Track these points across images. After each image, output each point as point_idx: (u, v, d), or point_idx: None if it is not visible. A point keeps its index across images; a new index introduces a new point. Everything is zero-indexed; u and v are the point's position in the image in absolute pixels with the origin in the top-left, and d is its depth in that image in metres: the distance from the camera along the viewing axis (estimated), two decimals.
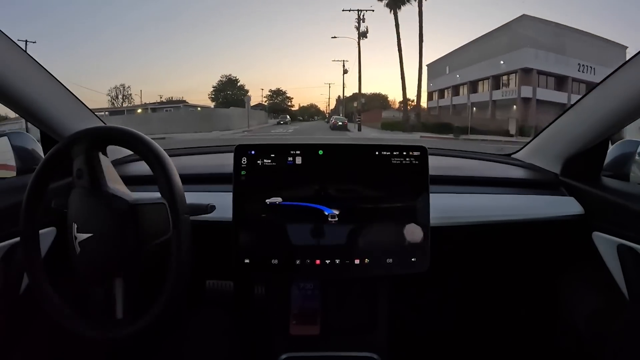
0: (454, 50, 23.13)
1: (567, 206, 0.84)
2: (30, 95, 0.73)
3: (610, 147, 0.85)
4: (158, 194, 0.59)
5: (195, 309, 0.94)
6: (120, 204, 0.59)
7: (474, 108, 19.56)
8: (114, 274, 0.60)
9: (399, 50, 19.27)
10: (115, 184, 0.63)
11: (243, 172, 0.71)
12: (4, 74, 0.67)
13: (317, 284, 0.84)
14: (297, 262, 0.71)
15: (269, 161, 0.71)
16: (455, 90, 22.73)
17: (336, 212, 0.71)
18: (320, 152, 0.72)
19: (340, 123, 19.51)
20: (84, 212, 0.59)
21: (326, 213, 0.71)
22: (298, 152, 0.72)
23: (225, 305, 0.97)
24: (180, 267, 0.56)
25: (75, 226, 0.59)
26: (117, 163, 0.99)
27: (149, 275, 0.62)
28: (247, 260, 0.71)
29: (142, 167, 0.92)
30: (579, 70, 17.35)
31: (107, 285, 0.59)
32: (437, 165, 0.80)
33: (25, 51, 0.72)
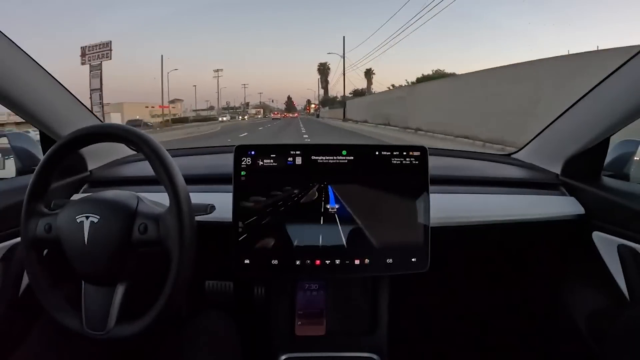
0: None
1: (567, 206, 0.84)
2: (29, 95, 0.73)
3: (611, 147, 0.85)
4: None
5: (194, 310, 0.94)
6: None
7: None
8: (117, 267, 0.59)
9: None
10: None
11: (243, 173, 0.71)
12: (3, 74, 0.67)
13: (322, 284, 0.84)
14: (297, 262, 0.71)
15: (269, 161, 0.71)
16: None
17: (336, 216, 0.71)
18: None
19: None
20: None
21: (327, 206, 0.71)
22: (298, 152, 0.72)
23: (225, 306, 0.97)
24: (182, 269, 0.56)
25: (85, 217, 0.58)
26: (116, 164, 0.99)
27: (150, 275, 0.62)
28: (247, 261, 0.71)
29: (142, 168, 0.92)
30: None
31: (108, 279, 0.59)
32: (437, 165, 0.80)
33: (24, 51, 0.72)
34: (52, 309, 0.60)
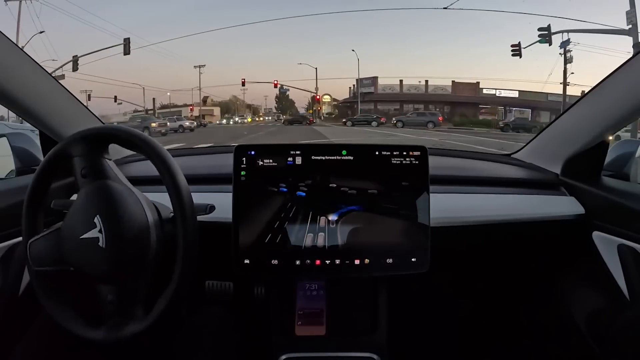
0: None
1: (567, 206, 0.84)
2: (29, 96, 0.73)
3: (611, 146, 0.85)
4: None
5: (194, 310, 0.94)
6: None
7: None
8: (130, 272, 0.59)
9: None
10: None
11: (243, 173, 0.71)
12: (3, 75, 0.67)
13: (322, 284, 0.84)
14: (297, 262, 0.71)
15: (269, 161, 0.71)
16: None
17: (336, 216, 0.71)
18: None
19: None
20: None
21: (329, 218, 0.71)
22: (298, 152, 0.72)
23: (225, 305, 0.96)
24: (185, 269, 0.56)
25: (99, 219, 0.57)
26: (116, 164, 0.99)
27: (153, 275, 0.62)
28: (247, 261, 0.71)
29: (142, 168, 0.92)
30: None
31: (118, 285, 0.59)
32: (437, 165, 0.80)
33: (25, 52, 0.72)
34: (51, 307, 0.60)
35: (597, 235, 0.79)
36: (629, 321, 0.72)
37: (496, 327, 1.08)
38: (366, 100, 22.17)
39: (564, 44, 13.95)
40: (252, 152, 0.71)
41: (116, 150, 1.01)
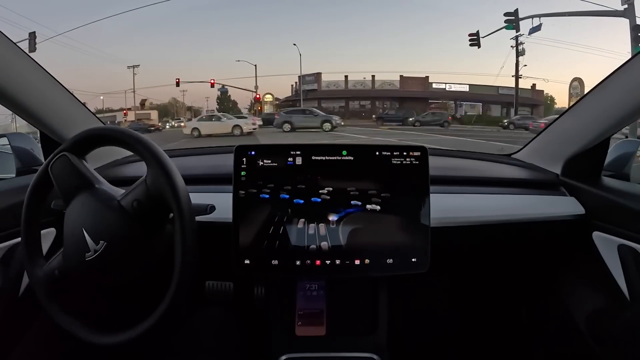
0: None
1: (567, 206, 0.84)
2: (29, 96, 0.73)
3: (611, 147, 0.85)
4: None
5: (194, 310, 0.94)
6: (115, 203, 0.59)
7: None
8: (127, 279, 0.59)
9: None
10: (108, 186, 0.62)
11: (243, 173, 0.71)
12: (4, 75, 0.67)
13: (322, 285, 0.84)
14: (297, 262, 0.71)
15: (269, 162, 0.71)
16: None
17: (336, 216, 0.71)
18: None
19: None
20: (93, 217, 0.58)
21: (329, 218, 0.71)
22: (298, 152, 0.72)
23: (225, 306, 0.96)
24: (184, 272, 0.56)
25: (86, 232, 0.57)
26: (117, 164, 0.99)
27: (152, 278, 0.62)
28: (247, 261, 0.71)
29: (142, 168, 0.92)
30: None
31: (116, 293, 0.59)
32: (437, 165, 0.80)
33: (26, 52, 0.72)
34: (52, 311, 0.60)
35: (597, 235, 0.79)
36: (629, 321, 0.72)
37: (496, 327, 1.08)
38: (309, 98, 19.75)
39: (535, 30, 12.85)
40: (253, 153, 0.71)
41: (117, 150, 1.01)
